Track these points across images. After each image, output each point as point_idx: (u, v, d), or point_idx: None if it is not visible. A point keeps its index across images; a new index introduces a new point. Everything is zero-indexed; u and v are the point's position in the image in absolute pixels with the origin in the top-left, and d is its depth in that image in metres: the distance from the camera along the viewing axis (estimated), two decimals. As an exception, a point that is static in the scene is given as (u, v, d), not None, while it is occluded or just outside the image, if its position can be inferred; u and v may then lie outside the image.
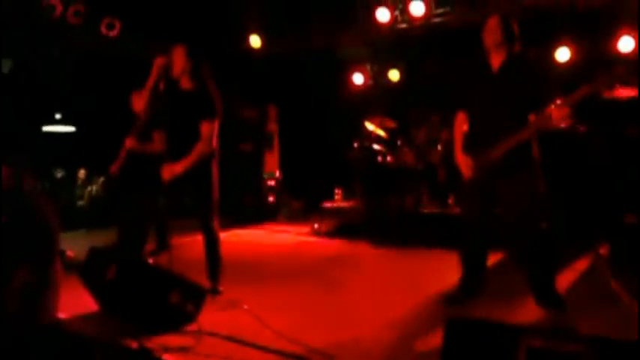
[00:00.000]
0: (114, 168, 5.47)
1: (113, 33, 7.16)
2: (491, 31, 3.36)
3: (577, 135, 6.00)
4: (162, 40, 4.10)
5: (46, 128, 8.81)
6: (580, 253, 5.15)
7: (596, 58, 6.99)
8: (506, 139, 3.24)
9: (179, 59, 3.80)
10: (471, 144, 3.51)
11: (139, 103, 5.34)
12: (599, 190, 5.80)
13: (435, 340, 2.15)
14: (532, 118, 3.26)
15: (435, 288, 4.04)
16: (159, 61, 3.81)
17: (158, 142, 5.01)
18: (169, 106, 3.88)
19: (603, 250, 5.01)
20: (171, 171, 3.75)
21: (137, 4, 7.18)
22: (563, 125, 3.17)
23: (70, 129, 9.02)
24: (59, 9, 6.67)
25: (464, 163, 3.51)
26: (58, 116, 8.95)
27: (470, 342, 1.92)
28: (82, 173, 8.63)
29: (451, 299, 3.62)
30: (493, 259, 4.59)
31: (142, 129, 5.21)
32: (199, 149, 3.75)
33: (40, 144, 8.30)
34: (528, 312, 3.36)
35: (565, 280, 4.14)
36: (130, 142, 5.26)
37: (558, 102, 3.08)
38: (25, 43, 7.43)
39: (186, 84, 3.85)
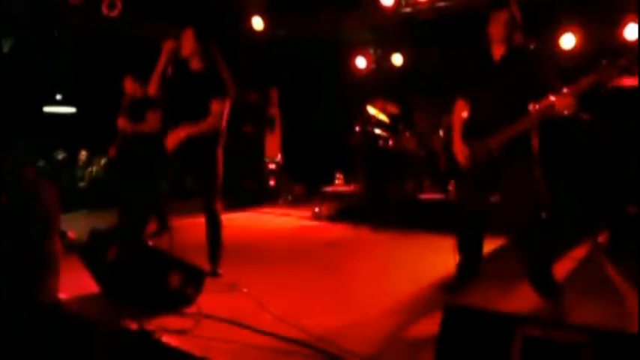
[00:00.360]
0: (112, 151, 5.49)
1: (114, 13, 7.10)
2: (499, 25, 3.33)
3: (580, 123, 5.97)
4: (165, 22, 4.08)
5: (47, 109, 8.77)
6: (578, 241, 5.15)
7: (602, 46, 6.92)
8: (506, 127, 3.23)
9: (188, 42, 3.81)
10: (471, 131, 3.50)
11: (132, 85, 5.37)
12: (600, 179, 5.79)
13: (433, 326, 2.16)
14: (531, 107, 3.25)
15: (434, 273, 4.05)
16: (168, 45, 3.80)
17: (152, 122, 5.02)
18: (179, 88, 3.87)
19: (602, 239, 5.02)
20: (175, 136, 3.73)
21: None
22: (565, 113, 3.15)
23: (71, 110, 8.99)
24: (60, -12, 6.62)
25: (460, 152, 3.51)
26: (58, 97, 8.91)
27: (466, 330, 1.93)
28: (82, 154, 8.63)
29: (448, 287, 3.64)
30: (491, 245, 4.61)
31: (133, 109, 5.22)
32: (209, 122, 3.75)
33: (40, 125, 8.28)
34: (526, 300, 3.37)
35: (563, 268, 4.15)
36: (121, 123, 5.28)
37: (563, 91, 3.06)
38: (26, 23, 7.38)
39: (196, 65, 3.86)
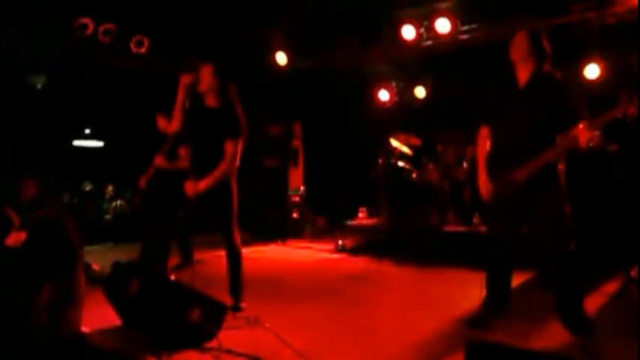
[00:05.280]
0: (143, 182, 5.55)
1: (142, 50, 7.31)
2: (518, 46, 3.32)
3: (607, 154, 5.86)
4: (191, 58, 4.16)
5: (76, 143, 9.00)
6: (610, 275, 5.00)
7: (627, 76, 6.84)
8: (532, 159, 3.18)
9: (206, 77, 3.85)
10: (495, 161, 3.45)
11: (164, 122, 5.46)
12: (630, 210, 5.64)
13: (457, 364, 2.10)
14: (558, 138, 3.20)
15: (458, 308, 3.97)
16: (185, 79, 3.87)
17: (185, 159, 5.07)
18: (194, 123, 3.92)
19: (635, 273, 4.85)
20: (194, 188, 3.78)
21: (166, 22, 7.32)
22: (591, 145, 3.09)
23: (99, 144, 9.20)
24: (90, 27, 6.84)
25: (484, 187, 3.45)
26: (87, 131, 9.14)
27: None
28: (109, 188, 8.77)
29: (473, 322, 3.55)
30: (520, 279, 4.50)
31: (170, 147, 5.29)
32: (223, 168, 3.78)
33: (69, 158, 8.48)
34: (555, 337, 3.26)
35: (593, 303, 4.02)
36: (159, 161, 5.35)
37: (586, 124, 3.02)
38: (58, 60, 7.64)
39: (211, 102, 3.89)
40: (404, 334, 3.46)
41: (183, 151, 5.13)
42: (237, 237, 3.94)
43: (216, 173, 3.77)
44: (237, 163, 3.91)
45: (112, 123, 8.77)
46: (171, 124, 3.99)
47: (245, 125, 3.88)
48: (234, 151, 3.81)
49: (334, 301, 4.41)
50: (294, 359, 2.94)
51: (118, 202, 8.65)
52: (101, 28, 6.93)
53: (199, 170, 3.81)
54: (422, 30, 7.52)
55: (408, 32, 7.52)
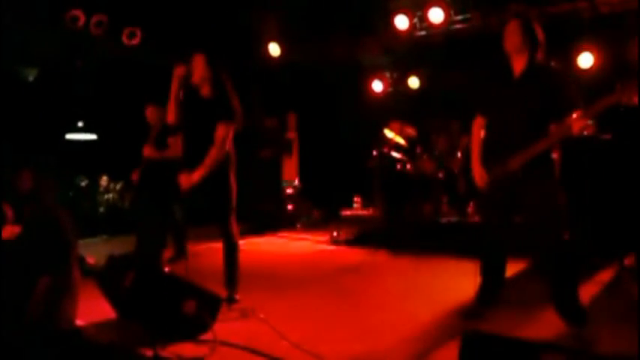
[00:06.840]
0: (135, 176, 5.55)
1: (134, 42, 7.26)
2: (511, 35, 3.30)
3: (602, 143, 5.87)
4: (183, 49, 4.13)
5: (69, 136, 8.94)
6: (604, 264, 5.02)
7: (621, 65, 6.85)
8: (525, 147, 3.18)
9: (199, 68, 3.83)
10: (489, 151, 3.44)
11: (153, 114, 5.45)
12: (625, 199, 5.66)
13: (452, 353, 2.11)
14: (552, 127, 3.20)
15: (453, 299, 3.97)
16: (178, 71, 3.84)
17: (173, 148, 5.07)
18: (190, 114, 3.90)
19: (629, 262, 4.88)
20: (188, 180, 3.76)
21: (158, 14, 7.27)
22: (585, 133, 3.10)
23: (92, 137, 9.14)
24: (82, 19, 6.79)
25: (479, 176, 3.45)
26: (80, 124, 9.07)
27: (486, 357, 1.87)
28: (103, 180, 8.73)
29: (468, 313, 3.56)
30: (514, 269, 4.51)
31: (158, 137, 5.29)
32: (213, 155, 3.76)
33: (62, 151, 8.43)
34: (549, 326, 3.27)
35: (587, 292, 4.03)
36: (147, 151, 5.35)
37: (579, 113, 3.02)
38: (50, 53, 7.58)
39: (206, 92, 3.88)
40: (399, 325, 3.47)
41: (171, 141, 5.12)
42: (235, 228, 3.93)
43: (208, 161, 3.75)
44: (230, 149, 3.89)
45: (105, 116, 8.71)
46: (167, 116, 3.97)
47: (240, 112, 3.86)
48: (224, 134, 3.77)
49: (330, 293, 4.41)
50: (289, 351, 2.94)
51: (110, 195, 8.62)
52: (93, 20, 6.88)
53: (193, 161, 3.79)
54: (415, 20, 7.52)
55: (402, 22, 7.51)
